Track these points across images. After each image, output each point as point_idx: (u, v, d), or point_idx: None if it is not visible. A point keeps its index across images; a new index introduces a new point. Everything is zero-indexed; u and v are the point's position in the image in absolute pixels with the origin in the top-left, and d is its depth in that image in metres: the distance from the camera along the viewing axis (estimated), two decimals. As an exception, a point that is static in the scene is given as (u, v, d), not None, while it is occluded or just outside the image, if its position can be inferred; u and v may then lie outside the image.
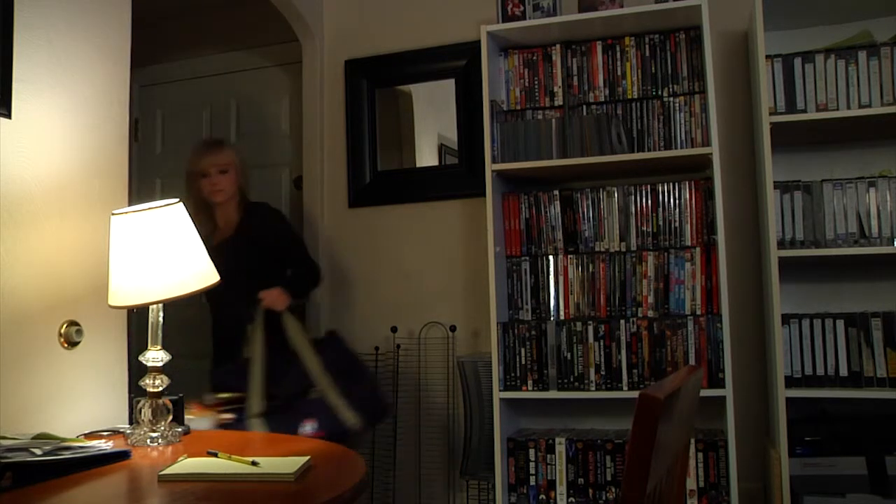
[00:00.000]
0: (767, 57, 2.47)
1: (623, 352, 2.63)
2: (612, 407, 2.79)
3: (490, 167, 2.77)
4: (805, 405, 2.44)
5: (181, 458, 1.47)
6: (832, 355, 2.44)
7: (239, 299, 2.59)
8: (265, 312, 2.59)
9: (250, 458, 1.41)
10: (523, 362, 2.72)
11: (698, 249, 2.64)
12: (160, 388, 1.74)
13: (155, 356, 1.76)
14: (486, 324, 2.86)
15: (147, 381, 1.74)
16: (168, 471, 1.37)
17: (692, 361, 2.56)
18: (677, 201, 2.68)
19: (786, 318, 2.46)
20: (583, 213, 2.78)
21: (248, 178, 2.96)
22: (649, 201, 2.70)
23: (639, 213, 2.71)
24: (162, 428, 1.71)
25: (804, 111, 2.47)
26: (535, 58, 2.87)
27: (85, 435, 1.75)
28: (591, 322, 2.68)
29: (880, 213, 2.42)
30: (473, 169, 3.14)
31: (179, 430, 1.77)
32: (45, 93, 1.81)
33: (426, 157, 3.32)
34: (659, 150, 2.69)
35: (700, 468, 2.55)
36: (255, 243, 2.80)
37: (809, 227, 2.47)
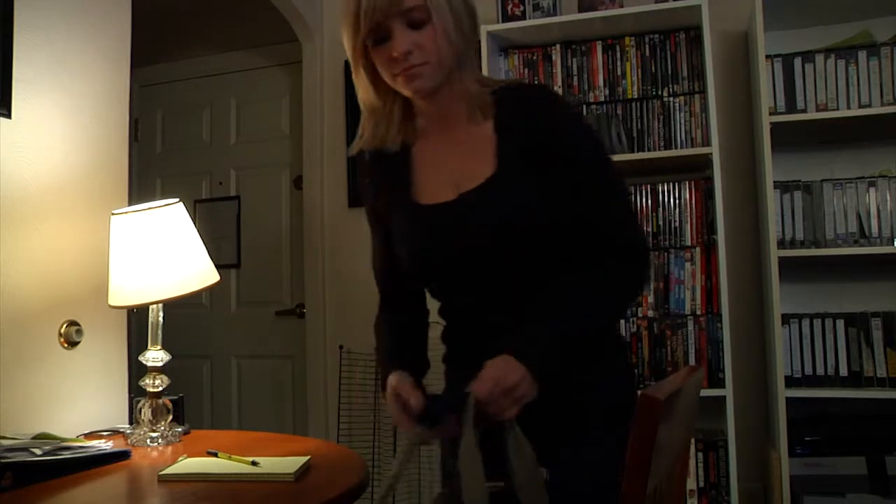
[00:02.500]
0: (767, 57, 2.47)
1: (623, 352, 2.63)
2: (612, 407, 2.78)
3: (490, 167, 2.76)
4: (805, 405, 2.44)
5: (181, 458, 1.47)
6: (832, 355, 2.44)
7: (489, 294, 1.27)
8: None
9: (250, 458, 1.41)
10: (523, 362, 2.71)
11: (698, 249, 2.64)
12: (160, 388, 1.74)
13: (155, 356, 1.76)
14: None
15: (147, 381, 1.74)
16: (168, 471, 1.37)
17: (692, 361, 2.56)
18: (677, 201, 2.68)
19: (786, 318, 2.46)
20: (583, 213, 2.78)
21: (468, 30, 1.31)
22: (649, 201, 2.70)
23: (639, 212, 2.71)
24: (162, 428, 1.71)
25: (804, 111, 2.47)
26: (535, 58, 2.87)
27: (85, 435, 1.75)
28: (591, 322, 2.67)
29: (880, 213, 2.42)
30: (473, 169, 3.13)
31: (179, 429, 1.77)
32: (45, 93, 1.81)
33: (426, 157, 3.31)
34: (659, 150, 2.69)
35: (700, 468, 2.55)
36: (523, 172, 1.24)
37: (809, 227, 2.47)
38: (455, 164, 1.27)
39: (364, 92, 1.28)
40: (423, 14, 1.18)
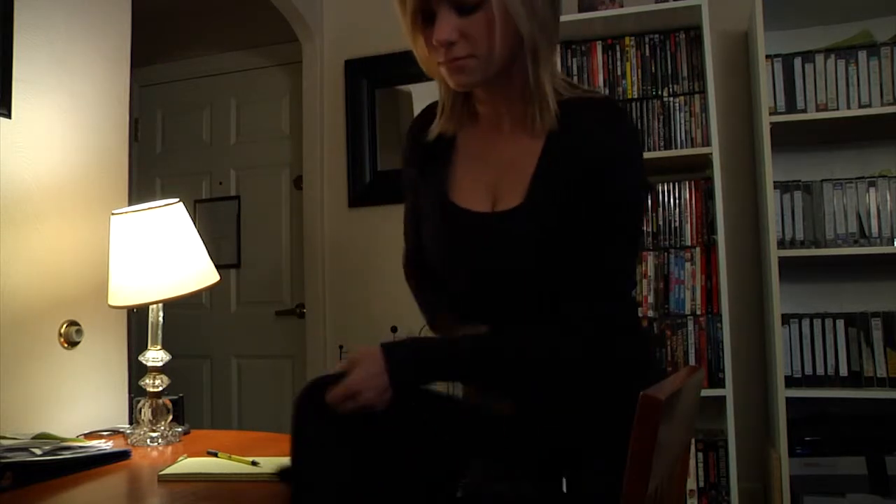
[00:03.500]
0: (767, 57, 2.47)
1: (623, 352, 2.63)
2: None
3: (490, 167, 2.76)
4: (805, 405, 2.44)
5: (181, 458, 1.47)
6: (832, 355, 2.44)
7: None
8: None
9: (250, 458, 1.41)
10: (523, 362, 2.71)
11: (698, 249, 2.63)
12: (160, 388, 1.74)
13: (155, 356, 1.76)
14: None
15: (147, 381, 1.74)
16: (168, 471, 1.37)
17: (692, 361, 2.56)
18: (677, 201, 2.67)
19: (786, 318, 2.46)
20: (583, 213, 2.78)
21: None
22: (649, 201, 2.69)
23: (639, 213, 2.70)
24: (162, 428, 1.71)
25: (804, 111, 2.47)
26: (535, 58, 2.87)
27: (85, 435, 1.75)
28: (591, 322, 2.67)
29: (880, 213, 2.42)
30: (473, 169, 3.13)
31: (179, 429, 1.77)
32: (45, 93, 1.81)
33: (426, 156, 3.31)
34: (659, 150, 2.69)
35: (700, 468, 2.54)
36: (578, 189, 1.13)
37: (809, 227, 2.47)
38: (495, 173, 1.14)
39: (423, 67, 1.14)
40: None
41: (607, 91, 2.79)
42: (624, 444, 0.84)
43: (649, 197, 2.65)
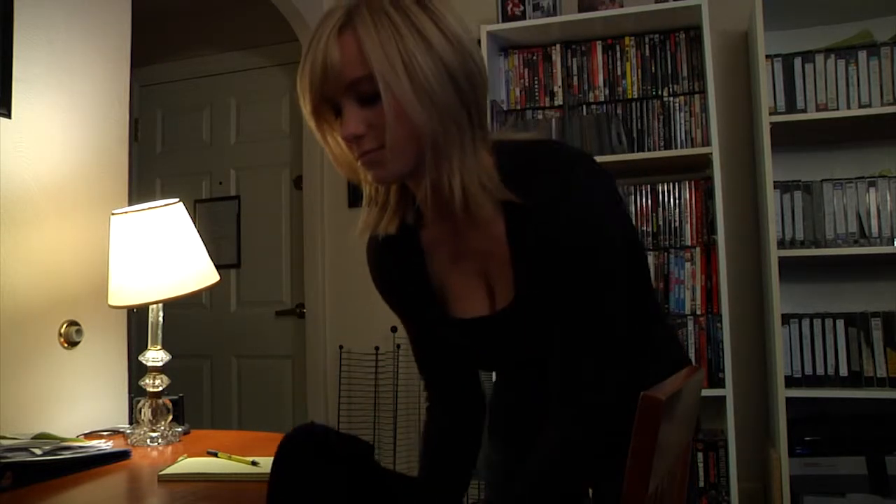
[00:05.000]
0: (767, 57, 2.47)
1: (623, 352, 2.63)
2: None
3: (490, 167, 2.76)
4: (805, 405, 2.44)
5: (181, 458, 1.47)
6: (832, 355, 2.44)
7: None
8: None
9: (250, 458, 1.41)
10: (523, 362, 2.71)
11: (698, 249, 2.64)
12: (160, 388, 1.74)
13: (155, 356, 1.76)
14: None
15: (147, 381, 1.74)
16: (168, 471, 1.37)
17: (692, 361, 2.56)
18: (677, 201, 2.68)
19: (786, 318, 2.46)
20: (583, 213, 2.78)
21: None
22: (649, 201, 2.70)
23: (639, 212, 2.71)
24: (162, 428, 1.71)
25: (804, 111, 2.47)
26: (535, 58, 2.87)
27: (85, 435, 1.75)
28: (591, 322, 2.67)
29: (880, 213, 2.42)
30: (473, 169, 3.13)
31: (179, 429, 1.77)
32: (45, 92, 1.81)
33: (426, 156, 3.32)
34: (659, 150, 2.69)
35: (700, 468, 2.55)
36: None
37: (809, 227, 2.47)
38: (477, 265, 1.05)
39: (340, 170, 1.05)
40: (371, 86, 0.91)
41: (607, 91, 2.79)
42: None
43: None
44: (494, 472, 1.22)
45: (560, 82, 2.84)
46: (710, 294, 2.61)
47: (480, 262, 1.05)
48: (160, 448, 1.67)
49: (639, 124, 2.73)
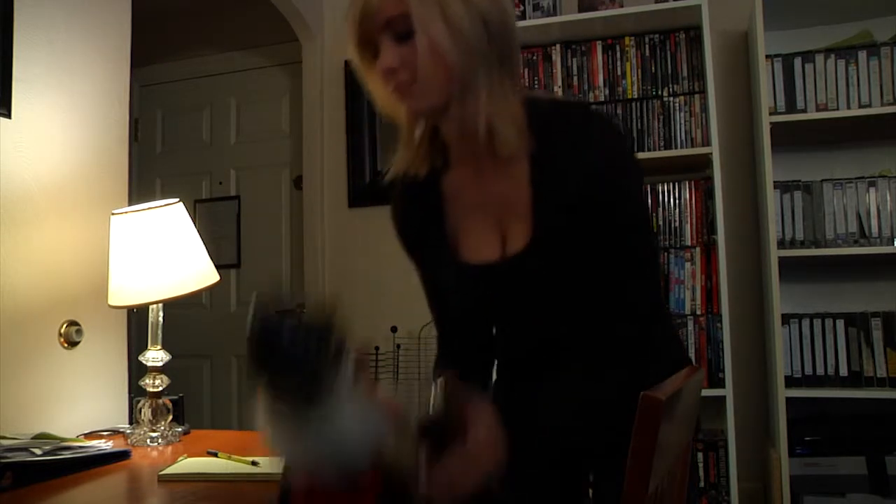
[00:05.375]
0: (767, 57, 2.47)
1: (623, 352, 2.62)
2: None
3: (490, 167, 2.76)
4: (805, 405, 2.44)
5: (181, 458, 1.47)
6: (832, 355, 2.44)
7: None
8: None
9: (250, 458, 1.41)
10: (523, 362, 2.71)
11: (698, 249, 2.63)
12: (160, 388, 1.74)
13: (155, 356, 1.76)
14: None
15: (147, 381, 1.74)
16: (168, 471, 1.37)
17: (692, 361, 2.56)
18: (677, 201, 2.68)
19: (786, 318, 2.46)
20: (583, 213, 2.78)
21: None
22: (649, 201, 2.70)
23: (639, 213, 2.70)
24: (162, 428, 1.71)
25: (804, 111, 2.47)
26: (535, 57, 2.87)
27: (85, 435, 1.75)
28: (591, 322, 2.67)
29: (880, 213, 2.42)
30: (473, 169, 3.13)
31: (179, 429, 1.77)
32: (45, 92, 1.81)
33: (426, 156, 3.32)
34: (659, 150, 2.69)
35: (700, 468, 2.54)
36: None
37: (809, 227, 2.47)
38: (493, 210, 1.08)
39: (380, 108, 1.09)
40: (406, 25, 0.97)
41: (607, 91, 2.79)
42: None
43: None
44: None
45: (560, 82, 2.84)
46: (710, 294, 2.60)
47: (498, 207, 1.07)
48: (160, 448, 1.67)
49: (639, 124, 2.73)
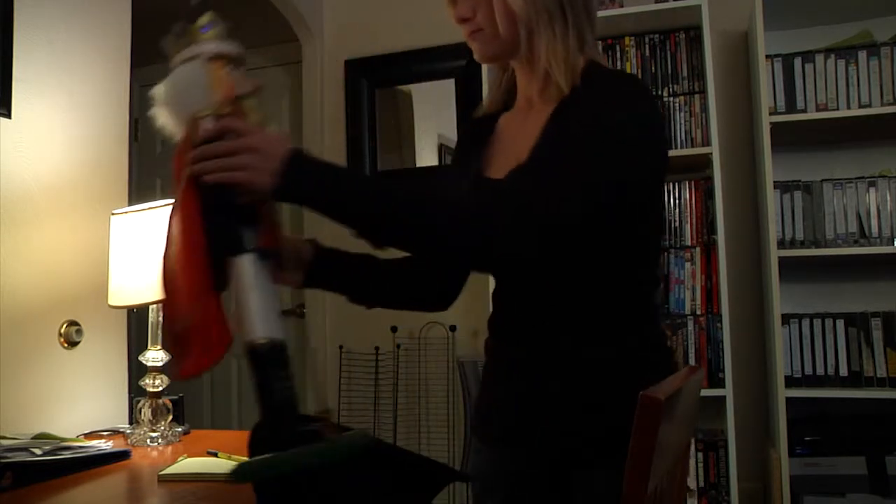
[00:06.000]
0: (767, 57, 2.47)
1: (623, 352, 2.62)
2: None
3: (490, 167, 2.76)
4: (805, 405, 2.44)
5: (181, 458, 1.47)
6: (832, 355, 2.44)
7: None
8: None
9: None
10: (523, 362, 2.71)
11: (698, 249, 2.63)
12: (160, 388, 1.74)
13: (155, 356, 1.76)
14: (486, 324, 2.85)
15: (147, 381, 1.74)
16: (168, 471, 1.37)
17: (692, 361, 2.56)
18: (677, 201, 2.67)
19: (786, 318, 2.46)
20: (583, 213, 2.78)
21: None
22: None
23: (639, 213, 2.70)
24: (162, 428, 1.71)
25: (804, 111, 2.47)
26: (535, 58, 2.87)
27: (85, 435, 1.75)
28: (591, 322, 2.67)
29: (880, 213, 2.42)
30: (473, 169, 3.13)
31: (179, 430, 1.77)
32: (45, 93, 1.81)
33: (426, 157, 3.31)
34: (659, 150, 2.69)
35: (700, 468, 2.54)
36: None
37: (809, 227, 2.47)
38: (513, 152, 1.14)
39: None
40: None
41: (607, 91, 2.78)
42: (625, 445, 0.83)
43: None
44: (477, 474, 1.21)
45: (560, 82, 2.83)
46: (710, 294, 2.60)
47: (517, 148, 1.12)
48: (160, 448, 1.67)
49: (639, 124, 2.73)
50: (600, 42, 2.80)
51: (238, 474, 0.84)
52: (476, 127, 1.28)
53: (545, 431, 1.09)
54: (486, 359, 1.25)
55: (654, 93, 2.73)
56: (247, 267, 0.95)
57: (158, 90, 1.12)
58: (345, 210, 1.04)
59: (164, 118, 1.11)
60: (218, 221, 0.96)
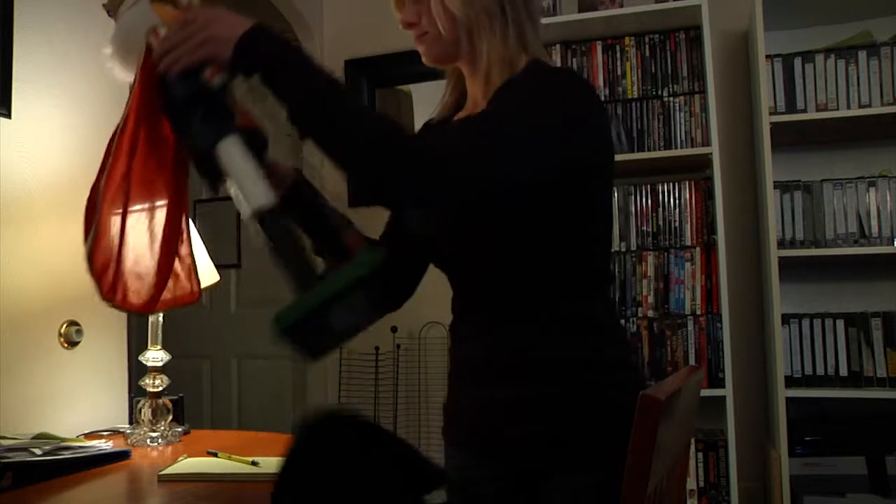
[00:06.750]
0: (767, 57, 2.47)
1: (623, 352, 2.62)
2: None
3: (490, 167, 2.76)
4: (805, 405, 2.44)
5: (181, 458, 1.47)
6: (832, 355, 2.44)
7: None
8: None
9: (250, 458, 1.41)
10: (523, 362, 2.71)
11: (698, 249, 2.63)
12: (160, 388, 1.74)
13: (155, 356, 1.76)
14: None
15: (147, 381, 1.74)
16: (168, 471, 1.37)
17: (692, 361, 2.56)
18: (677, 201, 2.68)
19: (786, 318, 2.46)
20: (583, 213, 2.78)
21: None
22: (649, 201, 2.70)
23: (639, 212, 2.71)
24: (162, 428, 1.71)
25: (804, 111, 2.47)
26: (535, 58, 2.87)
27: (85, 435, 1.75)
28: (591, 322, 2.67)
29: (880, 213, 2.42)
30: (473, 169, 3.13)
31: (179, 430, 1.77)
32: (45, 93, 1.81)
33: (426, 156, 3.32)
34: (659, 150, 2.69)
35: (700, 468, 2.55)
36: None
37: (809, 227, 2.47)
38: None
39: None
40: None
41: (607, 91, 2.79)
42: (601, 451, 0.87)
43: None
44: (452, 479, 1.19)
45: (560, 82, 2.83)
46: (710, 294, 2.60)
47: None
48: (160, 448, 1.67)
49: (639, 124, 2.73)
50: (600, 42, 2.80)
51: (276, 321, 0.95)
52: (427, 131, 1.32)
53: (506, 436, 1.08)
54: (450, 365, 1.28)
55: (654, 93, 2.73)
56: (233, 148, 1.02)
57: (111, 42, 1.17)
58: (292, 81, 1.08)
59: (119, 69, 1.17)
60: (192, 114, 1.00)
